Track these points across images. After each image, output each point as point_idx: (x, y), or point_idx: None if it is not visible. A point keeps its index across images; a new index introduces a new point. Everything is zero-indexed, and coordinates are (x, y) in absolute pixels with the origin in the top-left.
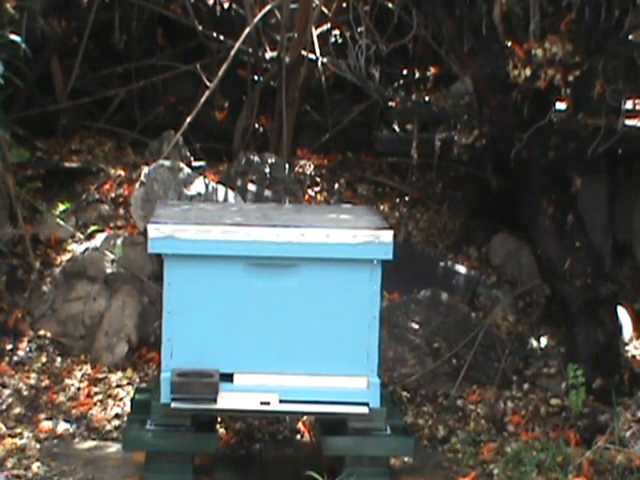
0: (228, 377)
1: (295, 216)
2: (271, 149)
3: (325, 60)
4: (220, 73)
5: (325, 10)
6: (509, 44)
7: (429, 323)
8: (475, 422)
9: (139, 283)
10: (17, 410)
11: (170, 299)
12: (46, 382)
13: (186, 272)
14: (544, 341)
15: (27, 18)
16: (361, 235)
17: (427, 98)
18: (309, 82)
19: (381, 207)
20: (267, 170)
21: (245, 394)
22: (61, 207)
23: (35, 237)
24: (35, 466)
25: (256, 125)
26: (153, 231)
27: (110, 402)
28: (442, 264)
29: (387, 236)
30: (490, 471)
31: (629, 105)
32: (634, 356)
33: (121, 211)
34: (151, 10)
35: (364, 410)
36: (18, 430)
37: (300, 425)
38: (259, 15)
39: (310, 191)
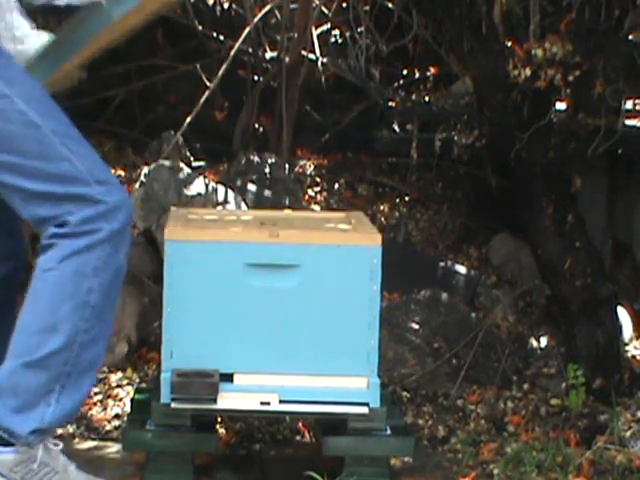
0: (228, 377)
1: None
2: (271, 149)
3: (325, 60)
4: (220, 73)
5: (325, 10)
6: (509, 44)
7: (429, 323)
8: (475, 422)
9: (139, 283)
10: None
11: (170, 299)
12: None
13: (186, 272)
14: (544, 341)
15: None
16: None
17: (427, 98)
18: (309, 82)
19: (381, 207)
20: (267, 170)
21: (245, 394)
22: None
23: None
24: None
25: (256, 125)
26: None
27: (110, 402)
28: (442, 264)
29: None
30: (490, 471)
31: (629, 105)
32: (634, 356)
33: None
34: None
35: (364, 410)
36: None
37: (300, 425)
38: (259, 15)
39: (310, 191)
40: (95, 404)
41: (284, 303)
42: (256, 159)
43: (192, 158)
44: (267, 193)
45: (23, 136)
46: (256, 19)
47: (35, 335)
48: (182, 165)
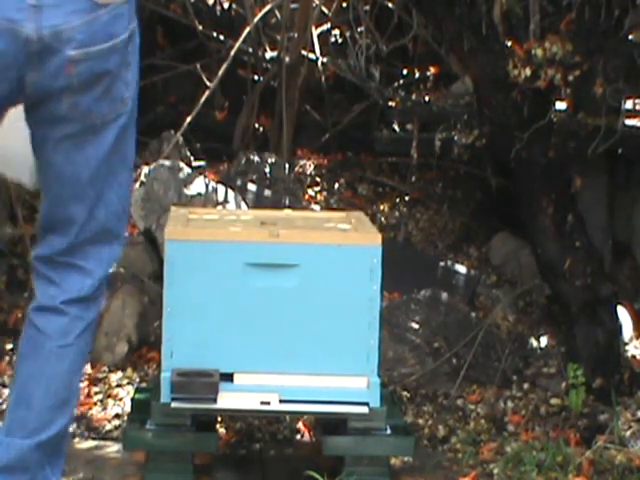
0: (228, 377)
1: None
2: (271, 149)
3: (325, 60)
4: (220, 73)
5: (325, 10)
6: (509, 44)
7: (429, 323)
8: (475, 422)
9: (139, 283)
10: None
11: (170, 299)
12: None
13: (186, 272)
14: (544, 341)
15: None
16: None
17: (427, 98)
18: (309, 82)
19: (381, 207)
20: (267, 170)
21: (245, 394)
22: None
23: (35, 237)
24: None
25: (256, 125)
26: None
27: (110, 402)
28: (442, 264)
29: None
30: (490, 470)
31: (629, 105)
32: (634, 356)
33: None
34: (151, 10)
35: (364, 410)
36: None
37: (300, 425)
38: (259, 15)
39: (310, 191)
40: (95, 404)
41: (284, 303)
42: (256, 159)
43: (192, 158)
44: (267, 193)
45: (126, 167)
46: (256, 19)
47: (49, 411)
48: (182, 165)
